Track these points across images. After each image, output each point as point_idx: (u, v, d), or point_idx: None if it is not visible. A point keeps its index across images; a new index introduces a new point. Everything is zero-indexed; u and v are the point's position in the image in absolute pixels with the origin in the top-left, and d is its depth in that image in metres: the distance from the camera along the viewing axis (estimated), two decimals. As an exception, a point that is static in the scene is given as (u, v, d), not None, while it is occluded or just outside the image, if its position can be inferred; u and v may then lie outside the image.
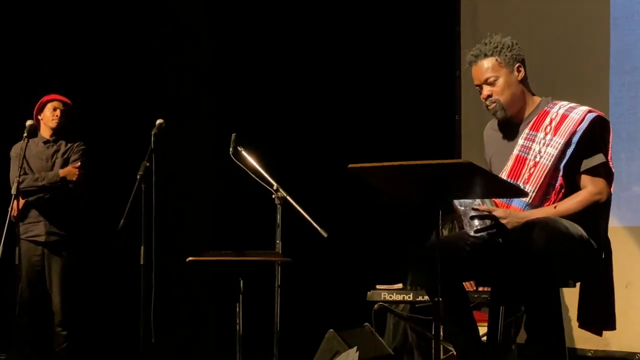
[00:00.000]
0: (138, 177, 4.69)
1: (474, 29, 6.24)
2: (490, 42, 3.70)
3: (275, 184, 4.84)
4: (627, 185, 5.42)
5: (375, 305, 5.11)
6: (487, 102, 3.70)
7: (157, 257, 4.69)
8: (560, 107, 3.67)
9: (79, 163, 5.57)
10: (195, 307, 6.72)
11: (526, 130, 3.68)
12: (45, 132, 5.66)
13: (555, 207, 3.54)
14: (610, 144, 3.67)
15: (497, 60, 3.68)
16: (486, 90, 3.70)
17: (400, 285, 5.14)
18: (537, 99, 3.76)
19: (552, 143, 3.59)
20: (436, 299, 3.27)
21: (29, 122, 5.45)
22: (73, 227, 5.58)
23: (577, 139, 3.57)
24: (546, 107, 3.69)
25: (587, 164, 3.59)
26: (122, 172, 5.33)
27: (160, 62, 6.74)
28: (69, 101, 5.66)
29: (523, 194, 3.49)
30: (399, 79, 6.46)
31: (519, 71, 3.71)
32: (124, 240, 4.79)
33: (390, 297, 5.04)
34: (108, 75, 6.67)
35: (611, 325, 3.64)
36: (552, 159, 3.57)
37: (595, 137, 3.60)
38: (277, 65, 6.70)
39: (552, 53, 5.64)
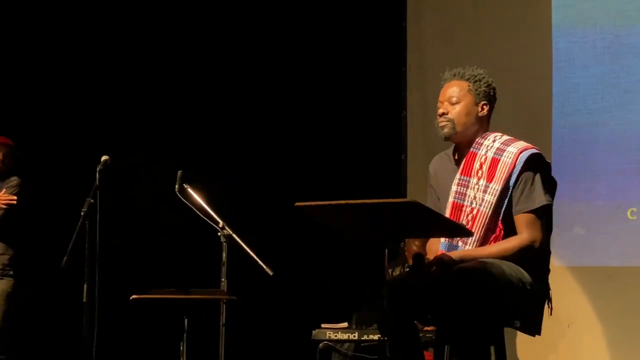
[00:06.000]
0: (82, 213, 4.65)
1: (420, 69, 6.33)
2: (473, 70, 3.70)
3: (221, 222, 4.82)
4: (569, 225, 5.50)
5: (320, 344, 5.10)
6: (440, 119, 3.65)
7: (100, 294, 4.63)
8: (487, 148, 3.62)
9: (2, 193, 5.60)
10: (139, 346, 6.63)
11: (457, 176, 3.65)
12: None
13: (484, 250, 3.50)
14: (551, 181, 3.59)
15: (469, 86, 3.67)
16: (444, 107, 3.66)
17: (345, 324, 5.14)
18: None
19: (488, 190, 3.55)
20: (382, 339, 3.27)
21: None
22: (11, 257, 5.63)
23: (513, 182, 3.54)
24: (472, 149, 3.65)
25: (523, 206, 3.53)
26: (67, 208, 5.27)
27: (106, 98, 6.70)
28: (10, 142, 5.66)
29: (468, 233, 3.50)
30: (347, 118, 6.50)
31: (482, 108, 3.67)
32: (67, 277, 4.73)
33: (335, 335, 5.04)
34: (54, 112, 6.62)
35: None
36: (491, 207, 3.54)
37: (532, 177, 3.54)
38: (223, 105, 6.69)
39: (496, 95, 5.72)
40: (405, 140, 6.36)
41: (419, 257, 3.46)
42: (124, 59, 6.74)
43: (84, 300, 4.60)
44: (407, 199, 3.62)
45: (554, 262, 5.39)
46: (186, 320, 4.50)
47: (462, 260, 3.46)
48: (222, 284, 4.78)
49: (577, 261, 5.53)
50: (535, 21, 5.86)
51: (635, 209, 5.37)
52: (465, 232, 3.50)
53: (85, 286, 4.60)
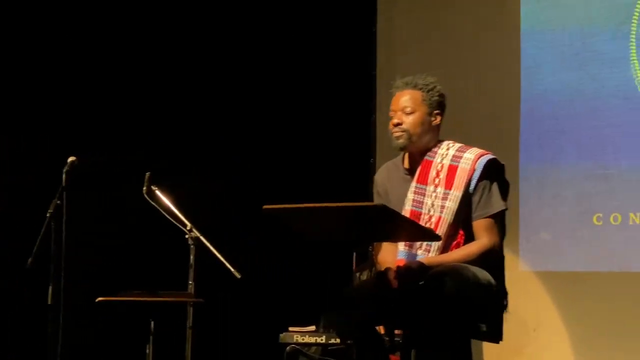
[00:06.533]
0: (48, 215, 4.61)
1: (390, 73, 6.33)
2: (424, 79, 3.71)
3: (189, 224, 4.81)
4: (536, 230, 5.53)
5: (288, 348, 5.09)
6: (395, 129, 3.67)
7: (65, 297, 4.59)
8: (442, 157, 3.66)
9: None
10: (104, 349, 6.59)
11: (413, 184, 3.67)
12: None
13: (448, 256, 3.53)
14: (506, 184, 3.67)
15: (422, 96, 3.68)
16: (397, 116, 3.67)
17: (312, 328, 5.14)
18: None
19: (449, 197, 3.59)
20: (348, 342, 3.28)
21: None
22: None
23: (473, 187, 3.60)
24: (426, 157, 3.68)
25: (483, 212, 3.59)
26: (34, 209, 5.23)
27: (73, 96, 6.64)
28: None
29: (436, 237, 3.52)
30: (316, 122, 6.51)
31: (435, 117, 3.70)
32: (32, 279, 4.69)
33: (303, 339, 5.03)
34: (23, 111, 6.56)
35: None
36: (453, 213, 3.58)
37: (490, 183, 3.60)
38: (191, 105, 6.67)
39: (464, 100, 5.75)
40: (375, 143, 6.37)
41: (383, 274, 3.48)
42: (109, 58, 6.69)
43: (49, 302, 4.56)
44: (376, 203, 3.62)
45: (521, 267, 5.45)
46: (152, 322, 4.47)
47: (431, 266, 3.48)
48: (190, 286, 4.76)
49: (543, 266, 5.56)
50: (504, 27, 5.89)
51: (601, 215, 5.41)
52: (433, 236, 3.51)
53: (50, 288, 4.57)
